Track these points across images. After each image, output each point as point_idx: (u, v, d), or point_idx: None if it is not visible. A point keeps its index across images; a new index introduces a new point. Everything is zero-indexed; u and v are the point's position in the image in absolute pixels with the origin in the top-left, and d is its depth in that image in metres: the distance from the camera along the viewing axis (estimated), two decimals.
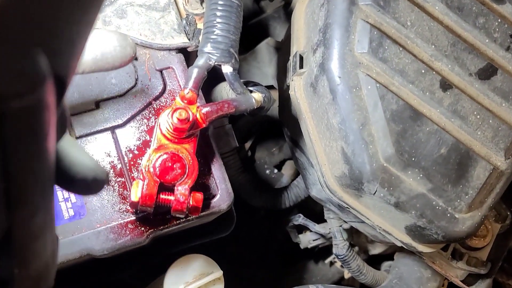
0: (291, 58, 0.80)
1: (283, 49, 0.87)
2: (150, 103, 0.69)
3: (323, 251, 1.12)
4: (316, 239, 1.02)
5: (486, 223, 0.82)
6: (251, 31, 1.04)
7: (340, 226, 0.91)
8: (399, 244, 0.77)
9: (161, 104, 0.69)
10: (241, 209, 0.95)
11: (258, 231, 1.11)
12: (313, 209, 1.05)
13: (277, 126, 1.08)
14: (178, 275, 0.72)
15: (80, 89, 0.67)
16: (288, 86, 0.80)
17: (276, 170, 1.21)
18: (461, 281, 0.82)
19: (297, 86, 0.77)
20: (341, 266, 1.09)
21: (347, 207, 0.75)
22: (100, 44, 0.46)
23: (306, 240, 1.03)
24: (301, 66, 0.76)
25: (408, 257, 0.88)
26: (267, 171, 1.20)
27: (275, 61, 0.96)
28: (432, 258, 0.82)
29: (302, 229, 1.04)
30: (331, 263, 1.12)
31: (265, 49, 0.97)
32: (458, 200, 0.67)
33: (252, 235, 1.14)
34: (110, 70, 0.50)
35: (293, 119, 0.81)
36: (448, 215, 0.67)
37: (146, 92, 0.69)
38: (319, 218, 0.99)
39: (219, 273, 0.73)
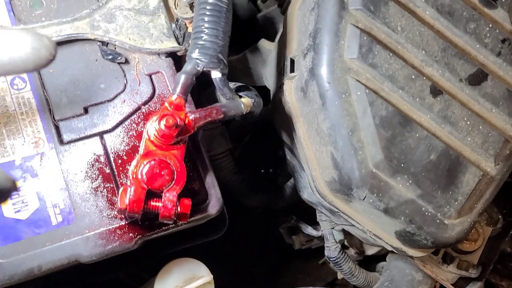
0: (282, 61, 0.80)
1: (277, 51, 0.87)
2: (139, 108, 0.69)
3: (317, 251, 1.12)
4: (309, 241, 1.02)
5: (478, 226, 0.82)
6: (246, 31, 1.03)
7: (332, 228, 0.91)
8: (390, 248, 0.77)
9: (150, 109, 0.69)
10: (237, 206, 0.95)
11: (254, 229, 1.11)
12: (307, 210, 1.05)
13: (272, 125, 1.08)
14: (168, 279, 0.72)
15: (68, 93, 0.67)
16: (280, 89, 0.80)
17: (271, 170, 1.21)
18: (452, 284, 0.82)
19: (288, 90, 0.77)
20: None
21: (337, 212, 0.75)
22: (8, 46, 0.43)
23: (299, 241, 1.03)
24: (292, 70, 0.76)
25: (399, 259, 0.88)
26: (262, 171, 1.20)
27: (268, 62, 0.96)
28: (423, 261, 0.82)
29: (295, 230, 1.04)
30: (324, 263, 1.12)
31: (259, 50, 0.96)
32: (448, 206, 0.66)
33: (248, 233, 1.15)
34: (24, 73, 0.47)
35: (285, 122, 0.81)
36: (438, 221, 0.66)
37: (135, 97, 0.69)
38: (313, 219, 0.99)
39: (209, 277, 0.73)
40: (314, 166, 0.74)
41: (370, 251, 1.06)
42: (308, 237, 1.02)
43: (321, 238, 1.02)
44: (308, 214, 1.02)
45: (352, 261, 0.91)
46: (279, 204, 1.05)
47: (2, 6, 0.67)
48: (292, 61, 0.76)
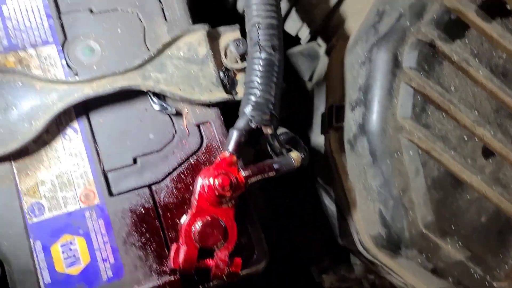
0: (326, 108, 0.79)
1: (315, 94, 0.87)
2: (187, 158, 0.69)
3: None
4: (340, 280, 1.02)
5: None
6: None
7: (367, 274, 0.90)
8: None
9: (199, 160, 0.69)
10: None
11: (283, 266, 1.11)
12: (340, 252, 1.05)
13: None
14: None
15: (117, 144, 0.67)
16: (323, 135, 0.80)
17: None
18: None
19: (333, 139, 0.76)
20: None
21: (380, 266, 0.75)
22: None
23: (329, 280, 1.03)
24: (337, 120, 0.76)
25: None
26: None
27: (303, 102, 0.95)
28: None
29: (326, 269, 1.03)
30: None
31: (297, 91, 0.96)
32: (497, 270, 0.66)
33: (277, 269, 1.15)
34: None
35: (325, 169, 0.80)
36: (486, 283, 0.66)
37: (184, 147, 0.69)
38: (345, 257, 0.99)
39: None
40: (359, 219, 0.74)
41: None
42: (339, 277, 1.02)
43: (354, 280, 1.02)
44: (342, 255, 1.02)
45: None
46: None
47: (54, 53, 0.67)
48: (338, 110, 0.76)
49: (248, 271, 0.67)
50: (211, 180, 0.61)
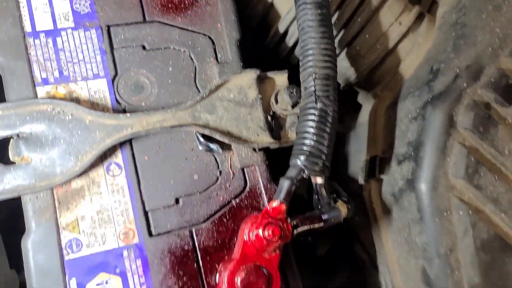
0: (367, 158, 0.78)
1: (351, 142, 0.86)
2: (230, 201, 0.67)
3: None
4: None
5: None
6: None
7: None
8: None
9: (241, 203, 0.67)
10: None
11: None
12: None
13: None
14: None
15: (161, 183, 0.65)
16: (361, 184, 0.78)
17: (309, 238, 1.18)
18: None
19: (374, 189, 0.75)
20: None
21: None
22: None
23: None
24: (380, 172, 0.75)
25: None
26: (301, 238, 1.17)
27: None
28: None
29: None
30: None
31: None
32: None
33: None
34: None
35: (360, 215, 0.79)
36: None
37: (227, 190, 0.67)
38: None
39: None
40: (396, 272, 0.72)
41: None
42: None
43: None
44: None
45: None
46: None
47: (104, 87, 0.66)
48: (381, 162, 0.75)
49: None
50: (260, 229, 0.59)
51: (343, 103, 1.01)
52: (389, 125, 0.75)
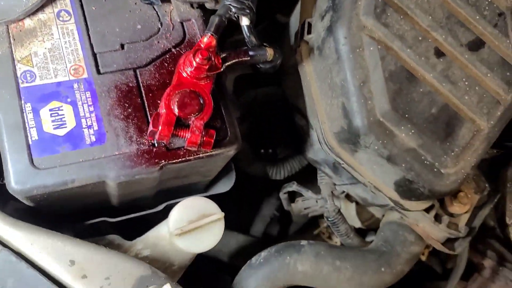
0: (299, 27, 0.87)
1: (292, 23, 0.94)
2: (170, 49, 0.75)
3: (312, 222, 1.18)
4: (307, 208, 1.08)
5: (467, 192, 0.89)
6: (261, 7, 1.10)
7: (332, 192, 0.97)
8: (387, 202, 0.83)
9: (180, 52, 0.75)
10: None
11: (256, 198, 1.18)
12: (307, 181, 1.11)
13: (274, 111, 1.15)
14: (183, 214, 0.77)
15: (107, 30, 0.73)
16: (295, 53, 0.87)
17: (270, 150, 1.27)
18: (441, 244, 0.89)
19: (304, 51, 0.84)
20: (328, 237, 1.15)
21: (342, 164, 0.82)
22: None
23: (298, 208, 1.09)
24: (308, 33, 0.83)
25: (393, 223, 0.94)
26: (262, 150, 1.26)
27: (284, 35, 1.03)
28: (416, 220, 0.88)
29: (294, 198, 1.10)
30: (318, 235, 1.17)
31: (274, 25, 1.04)
32: (445, 156, 0.74)
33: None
34: None
35: (296, 84, 0.88)
36: (435, 169, 0.73)
37: (168, 39, 0.76)
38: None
39: (220, 214, 0.78)
40: (324, 119, 0.81)
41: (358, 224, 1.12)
42: (306, 205, 1.08)
43: (318, 208, 1.08)
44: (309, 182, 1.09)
45: (348, 224, 0.97)
46: (279, 175, 1.11)
47: None
48: (309, 24, 0.83)
49: (221, 151, 0.73)
50: (191, 55, 0.67)
51: None
52: None
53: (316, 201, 1.04)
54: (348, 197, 1.03)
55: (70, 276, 0.64)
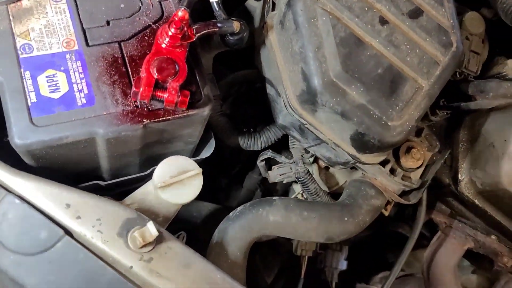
0: (266, 8, 0.98)
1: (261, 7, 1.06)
2: (150, 25, 0.86)
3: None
4: (282, 174, 1.19)
5: (420, 149, 1.00)
6: None
7: (302, 155, 1.08)
8: (347, 157, 0.94)
9: (159, 27, 0.86)
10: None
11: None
12: (282, 151, 1.22)
13: (253, 91, 1.26)
14: (165, 170, 0.88)
15: (94, 9, 0.84)
16: (262, 29, 0.98)
17: (252, 130, 1.38)
18: (398, 196, 0.99)
19: (269, 26, 0.95)
20: (301, 193, 1.25)
21: (305, 124, 0.93)
22: None
23: (274, 175, 1.20)
24: (273, 9, 0.95)
25: (356, 180, 1.05)
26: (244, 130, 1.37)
27: (255, 19, 1.14)
28: (374, 174, 0.99)
29: (271, 165, 1.20)
30: None
31: (247, 9, 1.15)
32: (391, 110, 0.85)
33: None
34: None
35: (265, 57, 0.99)
36: (383, 122, 0.84)
37: (148, 16, 0.87)
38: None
39: (199, 170, 0.89)
40: (288, 85, 0.92)
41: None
42: (281, 172, 1.19)
43: (292, 174, 1.19)
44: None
45: (317, 183, 1.08)
46: (257, 145, 1.22)
47: None
48: (273, 3, 0.95)
49: (196, 111, 0.84)
50: (167, 25, 0.79)
51: None
52: None
53: (290, 168, 1.14)
54: (317, 160, 1.14)
55: (66, 216, 0.75)
